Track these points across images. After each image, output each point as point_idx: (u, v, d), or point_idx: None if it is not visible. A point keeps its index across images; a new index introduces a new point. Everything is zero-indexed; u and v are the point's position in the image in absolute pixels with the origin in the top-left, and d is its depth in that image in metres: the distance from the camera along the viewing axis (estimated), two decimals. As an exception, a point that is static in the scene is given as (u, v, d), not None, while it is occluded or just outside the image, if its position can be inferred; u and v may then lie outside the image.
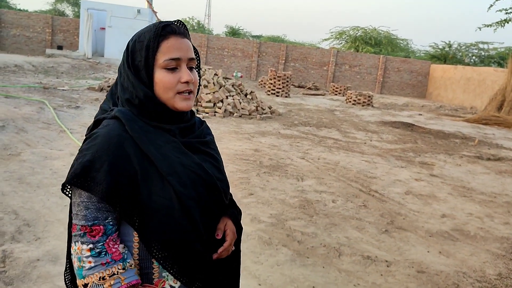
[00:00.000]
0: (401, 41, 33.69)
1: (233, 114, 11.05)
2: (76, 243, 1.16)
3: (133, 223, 1.19)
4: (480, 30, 8.00)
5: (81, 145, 1.26)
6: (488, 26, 7.30)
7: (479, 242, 4.47)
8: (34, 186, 4.69)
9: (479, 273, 3.76)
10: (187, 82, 1.26)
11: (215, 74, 12.09)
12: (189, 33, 1.36)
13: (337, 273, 3.56)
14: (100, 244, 1.15)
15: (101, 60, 20.35)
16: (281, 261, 3.66)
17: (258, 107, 11.84)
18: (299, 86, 23.84)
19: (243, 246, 3.99)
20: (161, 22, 1.28)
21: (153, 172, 1.21)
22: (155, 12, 22.10)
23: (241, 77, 23.79)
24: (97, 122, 1.29)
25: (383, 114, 16.02)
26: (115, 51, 20.77)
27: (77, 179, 1.15)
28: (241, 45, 25.56)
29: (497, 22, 7.02)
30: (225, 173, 1.44)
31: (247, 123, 10.29)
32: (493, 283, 3.61)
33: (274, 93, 18.15)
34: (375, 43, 31.67)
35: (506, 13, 6.98)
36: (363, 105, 18.06)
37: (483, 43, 28.93)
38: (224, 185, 1.39)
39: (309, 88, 23.41)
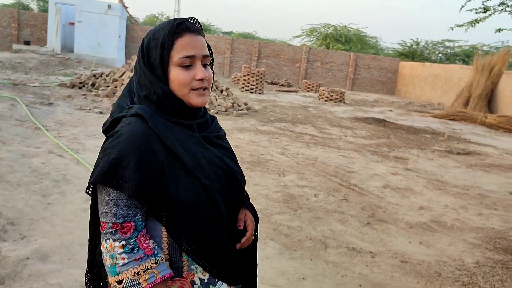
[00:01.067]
0: (370, 39, 34.29)
1: (209, 110, 11.03)
2: (108, 240, 1.17)
3: (160, 218, 1.21)
4: (453, 30, 8.27)
5: (102, 144, 1.27)
6: (460, 26, 7.56)
7: (456, 232, 4.66)
8: (14, 185, 4.59)
9: (458, 262, 3.93)
10: (201, 80, 1.28)
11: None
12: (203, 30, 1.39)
13: (324, 264, 3.65)
14: (132, 240, 1.17)
15: (70, 56, 19.86)
16: (270, 255, 3.72)
17: (234, 104, 11.86)
18: (272, 83, 23.95)
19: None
20: (175, 19, 1.30)
21: (179, 167, 1.23)
22: (126, 7, 21.74)
23: (214, 73, 23.68)
24: (115, 121, 1.32)
25: (355, 110, 16.31)
26: (85, 47, 20.32)
27: (105, 177, 1.16)
28: (213, 41, 25.45)
29: (468, 22, 7.28)
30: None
31: (224, 120, 10.30)
32: (471, 270, 3.78)
33: (248, 90, 18.19)
34: (346, 40, 32.11)
35: (476, 13, 7.25)
36: (335, 102, 18.33)
37: (449, 41, 29.81)
38: (242, 177, 1.44)
39: (282, 85, 23.57)
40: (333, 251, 3.90)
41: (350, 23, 51.57)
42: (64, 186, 4.73)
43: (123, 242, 1.16)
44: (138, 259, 1.17)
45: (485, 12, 7.28)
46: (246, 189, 4.57)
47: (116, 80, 11.73)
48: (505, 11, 7.04)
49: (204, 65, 1.31)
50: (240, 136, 8.46)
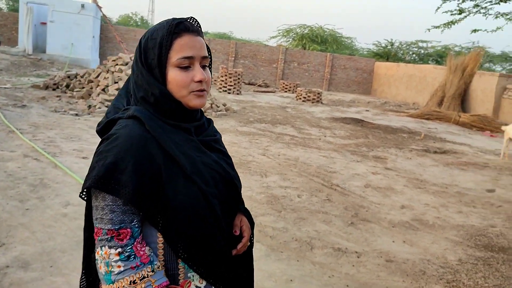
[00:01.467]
0: (346, 39, 34.66)
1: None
2: (103, 247, 1.13)
3: (156, 223, 1.17)
4: (429, 31, 8.42)
5: (97, 146, 1.22)
6: (436, 28, 7.70)
7: (438, 230, 4.73)
8: (-10, 190, 4.43)
9: (441, 260, 3.98)
10: (200, 81, 1.25)
11: (168, 71, 11.90)
12: (202, 29, 1.35)
13: (311, 265, 3.65)
14: (128, 247, 1.13)
15: (43, 57, 19.39)
16: (256, 257, 3.66)
17: (213, 104, 11.79)
18: (249, 83, 23.94)
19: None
20: (174, 19, 1.26)
21: (176, 171, 1.20)
22: (100, 7, 21.36)
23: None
24: (111, 122, 1.27)
25: (333, 110, 16.45)
26: (57, 47, 19.87)
27: (101, 182, 1.11)
28: (190, 42, 25.26)
29: (445, 24, 7.42)
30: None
31: (203, 121, 10.22)
32: (455, 268, 3.84)
33: (225, 90, 18.13)
34: (321, 41, 32.36)
35: (451, 14, 7.40)
36: (313, 102, 18.44)
37: (422, 41, 30.43)
38: (239, 182, 1.41)
39: (260, 86, 23.58)
40: (319, 252, 3.90)
41: (326, 23, 51.94)
42: (42, 191, 4.59)
43: (119, 250, 1.12)
44: (135, 267, 1.13)
45: (460, 14, 7.43)
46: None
47: (92, 81, 11.50)
48: (480, 12, 7.20)
49: (203, 67, 1.28)
50: (220, 137, 8.40)
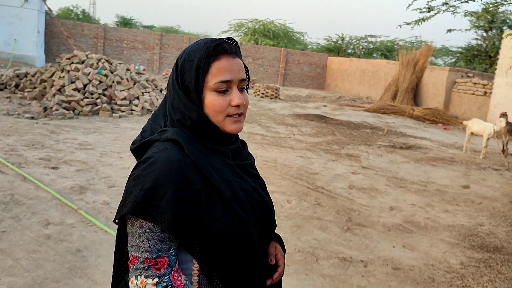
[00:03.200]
0: (297, 34, 34.88)
1: (151, 111, 10.50)
2: (138, 276, 1.07)
3: (193, 250, 1.12)
4: (401, 27, 8.53)
5: (132, 170, 1.15)
6: (407, 24, 7.80)
7: (431, 232, 4.74)
8: (-45, 211, 3.94)
9: (444, 264, 3.97)
10: (238, 106, 1.20)
11: (127, 69, 11.39)
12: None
13: (321, 279, 3.51)
14: (166, 277, 1.08)
15: (-18, 53, 18.08)
16: (263, 273, 3.50)
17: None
18: (204, 79, 23.53)
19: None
20: (213, 39, 1.22)
21: (215, 197, 1.15)
22: (44, 1, 20.14)
23: (143, 70, 22.78)
24: (147, 143, 1.21)
25: (292, 106, 16.46)
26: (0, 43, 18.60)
27: (139, 209, 1.05)
28: (141, 36, 24.48)
29: (416, 21, 7.53)
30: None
31: (168, 121, 9.85)
32: (460, 272, 3.83)
33: (183, 87, 17.68)
34: (273, 36, 32.38)
35: (420, 12, 7.52)
36: (271, 98, 18.38)
37: (371, 36, 31.15)
38: (273, 208, 1.37)
39: (215, 81, 23.25)
40: (326, 263, 3.77)
41: (277, 18, 52.12)
42: (16, 209, 4.15)
43: (156, 280, 1.07)
44: None
45: (429, 11, 7.54)
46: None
47: (45, 81, 10.76)
48: (448, 10, 7.35)
49: (241, 89, 1.23)
50: (192, 139, 8.10)
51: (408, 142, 10.58)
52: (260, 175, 1.39)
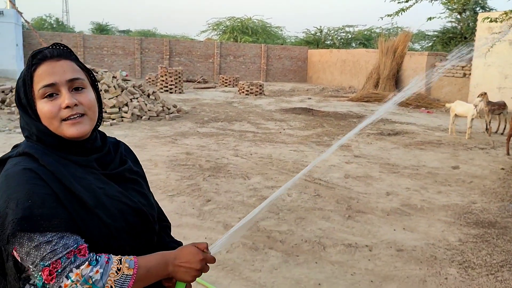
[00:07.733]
0: (276, 29, 35.07)
1: (141, 117, 10.58)
2: (70, 273, 1.04)
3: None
4: (382, 19, 8.75)
5: None
6: (389, 16, 8.02)
7: (428, 213, 4.96)
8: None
9: (444, 242, 4.18)
10: (69, 107, 1.17)
11: (114, 77, 11.41)
12: (72, 52, 1.26)
13: (331, 266, 3.68)
14: (92, 255, 1.09)
15: (-40, 70, 17.86)
16: (276, 264, 3.67)
17: (164, 107, 11.48)
18: (187, 81, 23.56)
19: (234, 255, 3.88)
20: (33, 51, 1.23)
21: (78, 207, 1.13)
22: (20, 13, 19.92)
23: (126, 76, 22.72)
24: (1, 162, 1.19)
25: (278, 101, 16.63)
26: (-25, 59, 18.36)
27: (26, 223, 1.03)
28: (121, 42, 24.37)
29: (396, 12, 7.76)
30: (151, 195, 1.41)
31: (159, 125, 9.94)
32: (459, 248, 4.05)
33: (167, 90, 17.75)
34: (252, 32, 32.51)
35: (399, 2, 7.75)
36: (256, 95, 18.53)
37: (349, 26, 31.51)
38: (151, 209, 1.34)
39: (199, 82, 23.31)
40: (333, 250, 3.95)
41: (255, 14, 52.18)
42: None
43: (87, 262, 1.06)
44: (108, 261, 1.09)
45: (407, 1, 7.76)
46: (219, 198, 4.54)
47: (31, 94, 10.74)
48: (426, -1, 7.58)
49: (77, 89, 1.20)
50: (186, 142, 8.21)
51: (395, 128, 10.84)
52: (142, 173, 1.40)
